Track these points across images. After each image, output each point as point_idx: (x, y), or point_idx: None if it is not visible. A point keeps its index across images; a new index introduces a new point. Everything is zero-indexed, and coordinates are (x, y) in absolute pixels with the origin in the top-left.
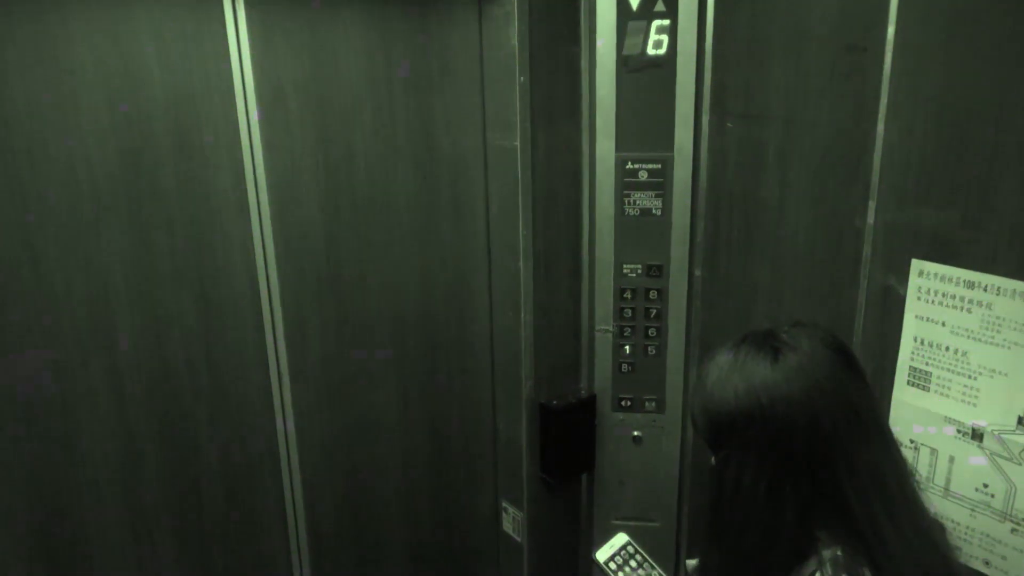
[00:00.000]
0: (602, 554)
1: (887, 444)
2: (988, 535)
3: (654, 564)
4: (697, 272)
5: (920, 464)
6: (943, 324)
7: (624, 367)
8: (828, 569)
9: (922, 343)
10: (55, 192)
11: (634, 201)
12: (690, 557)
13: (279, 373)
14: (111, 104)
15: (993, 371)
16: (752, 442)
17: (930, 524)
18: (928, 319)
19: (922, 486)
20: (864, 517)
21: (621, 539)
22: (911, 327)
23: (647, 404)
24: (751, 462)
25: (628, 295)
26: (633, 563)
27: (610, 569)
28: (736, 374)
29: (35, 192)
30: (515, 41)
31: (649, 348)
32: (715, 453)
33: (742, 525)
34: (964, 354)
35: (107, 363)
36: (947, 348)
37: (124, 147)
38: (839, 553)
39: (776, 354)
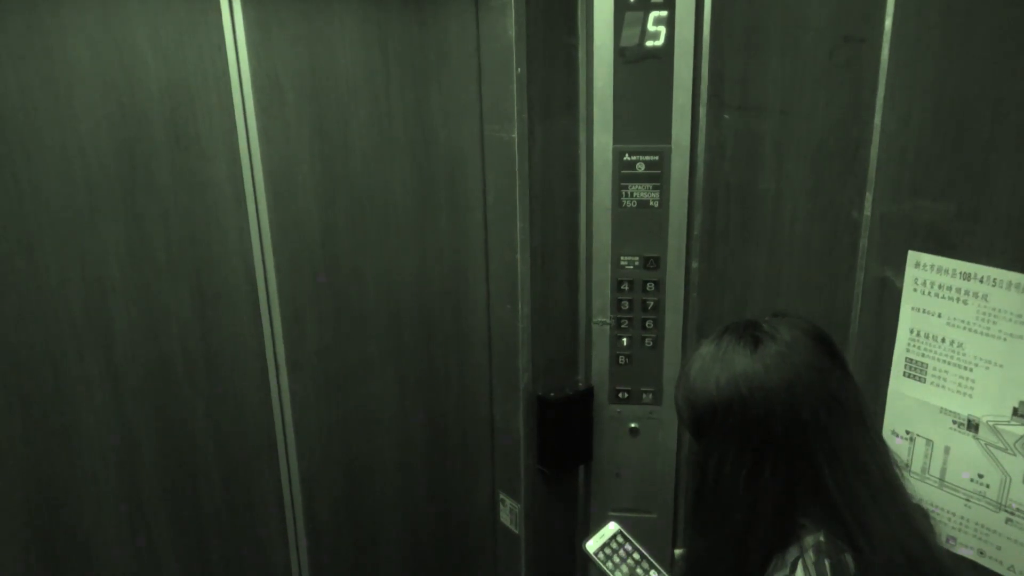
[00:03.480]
0: (592, 545)
1: (868, 431)
2: (983, 525)
3: (644, 553)
4: (694, 264)
5: (915, 455)
6: (939, 316)
7: (621, 359)
8: (810, 555)
9: (918, 335)
10: (50, 183)
11: (631, 193)
12: (678, 547)
13: (276, 364)
14: (106, 95)
15: (989, 362)
16: (733, 431)
17: (912, 509)
18: (924, 311)
19: (905, 473)
20: (844, 503)
21: (611, 529)
22: (907, 319)
23: (644, 396)
24: (732, 450)
25: (625, 287)
26: (623, 552)
27: (599, 559)
28: (717, 364)
29: (30, 183)
30: (512, 32)
31: (646, 340)
32: (698, 442)
33: (724, 513)
34: (960, 345)
35: (103, 355)
36: (943, 339)
37: (119, 138)
38: (821, 539)
39: (756, 344)
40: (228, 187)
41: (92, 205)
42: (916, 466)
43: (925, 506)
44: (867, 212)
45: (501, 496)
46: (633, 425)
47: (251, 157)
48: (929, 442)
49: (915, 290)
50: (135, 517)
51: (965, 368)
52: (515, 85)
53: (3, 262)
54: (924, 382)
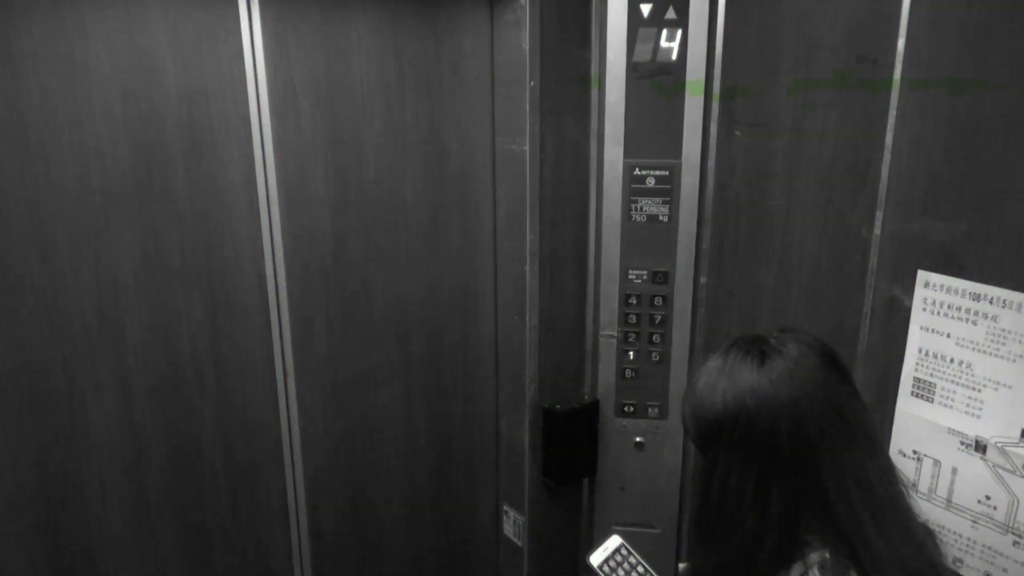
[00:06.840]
0: (595, 558)
1: (873, 448)
2: (990, 547)
3: (648, 567)
4: (702, 279)
5: (923, 475)
6: (948, 336)
7: (628, 373)
8: (815, 572)
9: (927, 354)
10: (66, 186)
11: (641, 208)
12: (682, 561)
13: (284, 371)
14: (124, 100)
15: (998, 383)
16: (738, 445)
17: (917, 527)
18: (933, 330)
19: (911, 491)
20: (849, 520)
21: (615, 542)
22: (916, 338)
23: (650, 410)
24: (737, 465)
25: (633, 301)
26: (626, 566)
27: (603, 573)
28: (724, 378)
29: (47, 186)
30: (526, 46)
31: (653, 354)
32: (704, 456)
33: (729, 527)
34: (969, 366)
35: (114, 359)
36: (952, 360)
37: (136, 143)
38: (827, 556)
39: (763, 359)
40: (242, 194)
41: (107, 209)
42: (923, 486)
43: (931, 526)
44: (877, 231)
45: (505, 508)
46: (638, 439)
47: (265, 164)
48: (936, 462)
49: (924, 310)
50: (141, 520)
51: (973, 389)
52: (528, 97)
53: (18, 264)
54: (932, 402)
